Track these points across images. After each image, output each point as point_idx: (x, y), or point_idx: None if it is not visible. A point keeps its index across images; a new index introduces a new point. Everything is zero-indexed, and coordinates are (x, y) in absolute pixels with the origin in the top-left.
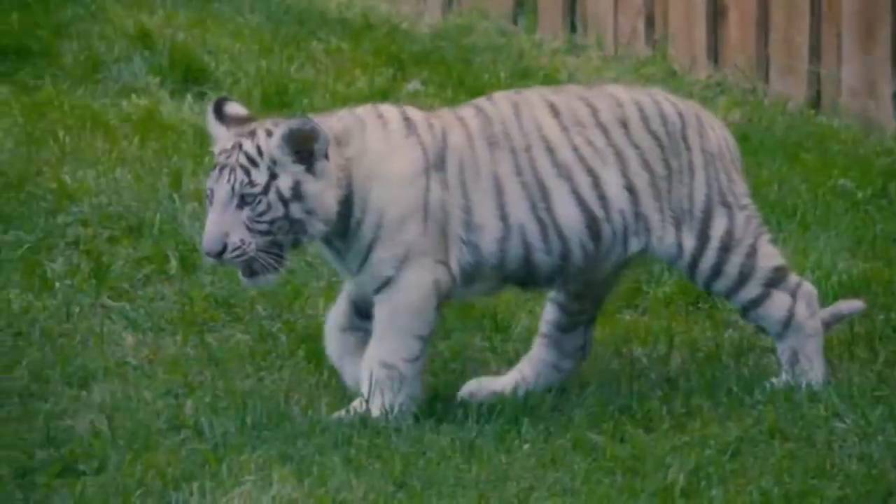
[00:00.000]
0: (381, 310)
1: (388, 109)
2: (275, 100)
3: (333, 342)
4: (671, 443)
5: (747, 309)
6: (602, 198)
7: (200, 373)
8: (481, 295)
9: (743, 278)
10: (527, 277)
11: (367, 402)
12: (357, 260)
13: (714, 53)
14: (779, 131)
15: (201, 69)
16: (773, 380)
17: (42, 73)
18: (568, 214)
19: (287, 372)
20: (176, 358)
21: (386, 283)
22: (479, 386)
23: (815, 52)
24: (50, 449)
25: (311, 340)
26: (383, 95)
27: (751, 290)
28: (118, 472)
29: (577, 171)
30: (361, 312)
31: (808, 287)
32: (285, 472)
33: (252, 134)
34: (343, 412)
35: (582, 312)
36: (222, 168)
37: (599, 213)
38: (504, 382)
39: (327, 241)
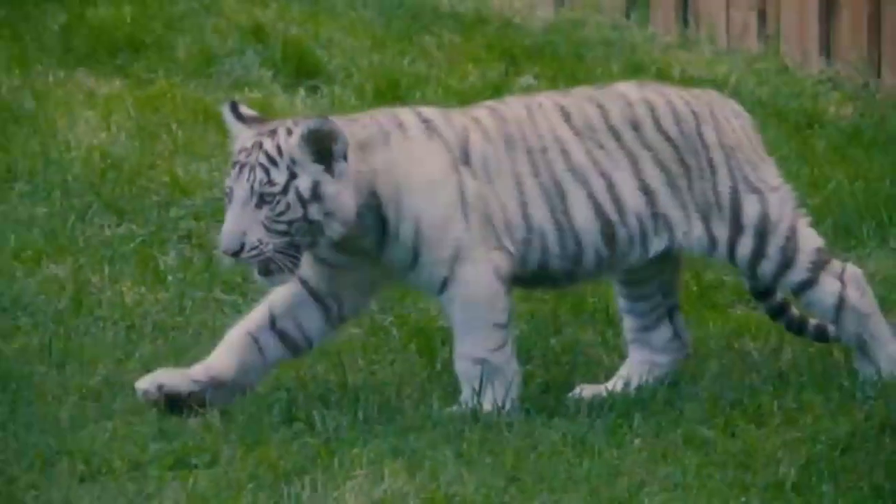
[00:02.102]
0: (452, 309)
1: (406, 115)
2: (387, 94)
3: (227, 339)
4: (782, 438)
5: (799, 293)
6: (617, 201)
7: (312, 367)
8: None
9: (787, 261)
10: (535, 280)
11: (478, 395)
12: (403, 264)
13: (826, 48)
14: (891, 126)
15: (314, 63)
16: (857, 366)
17: (155, 66)
18: (584, 218)
19: (399, 366)
20: None
21: (445, 283)
22: (583, 392)
23: None
24: (162, 442)
25: (423, 334)
26: (495, 90)
27: (798, 273)
28: (230, 466)
29: (591, 174)
30: (275, 323)
31: (853, 269)
32: (397, 466)
33: (273, 133)
34: (455, 407)
35: (653, 309)
36: (242, 167)
37: (614, 216)
38: (604, 386)
39: (339, 246)
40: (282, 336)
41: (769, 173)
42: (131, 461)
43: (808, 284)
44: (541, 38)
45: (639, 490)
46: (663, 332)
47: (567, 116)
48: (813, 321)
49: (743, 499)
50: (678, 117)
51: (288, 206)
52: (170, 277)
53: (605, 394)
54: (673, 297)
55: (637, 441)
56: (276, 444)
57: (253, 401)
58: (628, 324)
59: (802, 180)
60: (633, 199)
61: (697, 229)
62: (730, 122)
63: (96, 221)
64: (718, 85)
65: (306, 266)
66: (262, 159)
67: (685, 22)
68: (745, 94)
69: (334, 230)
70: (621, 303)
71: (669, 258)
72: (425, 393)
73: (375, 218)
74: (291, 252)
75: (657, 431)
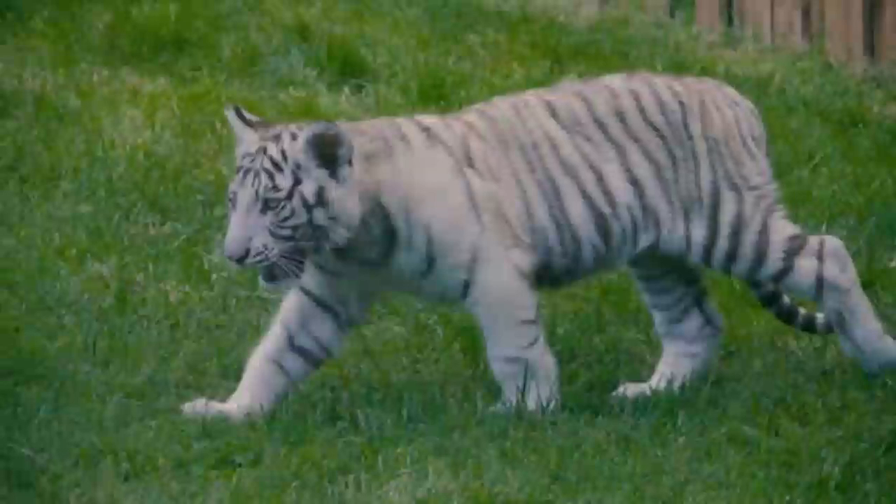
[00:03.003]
0: (478, 312)
1: (408, 126)
2: (432, 93)
3: (252, 369)
4: (826, 436)
5: (776, 282)
6: (608, 194)
7: (356, 365)
8: None
9: (759, 257)
10: (537, 279)
11: (522, 393)
12: (416, 272)
13: (870, 47)
14: None
15: (359, 62)
16: (842, 347)
17: (200, 64)
18: (578, 214)
19: (443, 364)
20: None
21: (466, 287)
22: (627, 390)
23: None
24: (206, 440)
25: (467, 333)
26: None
27: (772, 266)
28: (274, 464)
29: (581, 169)
30: (293, 342)
31: (832, 243)
32: (440, 465)
33: (277, 138)
34: (499, 405)
35: (679, 300)
36: (246, 172)
37: (607, 209)
38: (647, 384)
39: (342, 254)
40: (302, 353)
41: (752, 170)
42: (175, 460)
43: (783, 273)
44: (585, 37)
45: (682, 489)
46: (693, 321)
47: (554, 112)
48: (803, 311)
49: (787, 498)
50: (664, 107)
51: (293, 212)
52: (214, 276)
53: (648, 392)
54: (696, 284)
55: (681, 440)
56: (319, 442)
57: (297, 399)
58: (657, 318)
59: (846, 179)
60: (623, 192)
61: (679, 228)
62: (722, 112)
63: (140, 220)
64: (762, 83)
65: (307, 276)
66: (267, 164)
67: (729, 20)
68: (789, 93)
69: (339, 235)
70: (646, 298)
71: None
72: (469, 391)
73: (383, 229)
74: (296, 257)
75: (701, 430)
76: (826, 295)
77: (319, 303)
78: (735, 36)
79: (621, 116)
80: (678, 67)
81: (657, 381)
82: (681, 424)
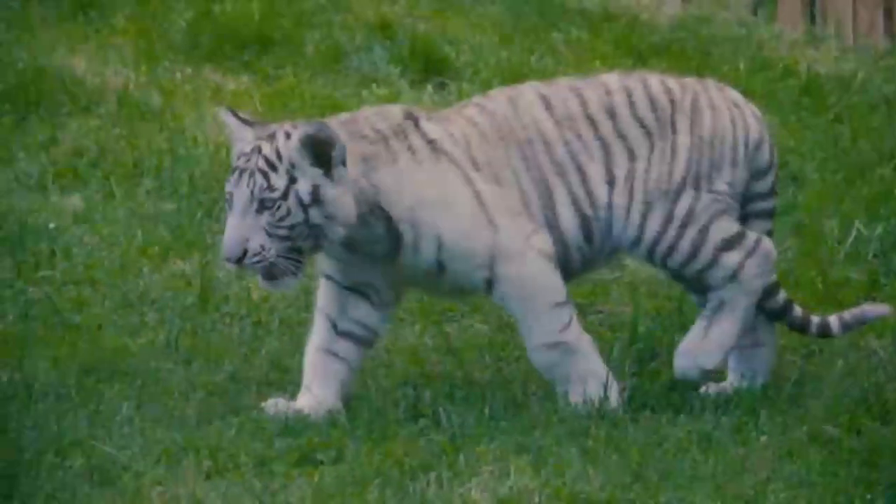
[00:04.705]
0: (510, 305)
1: (414, 137)
2: None
3: (310, 364)
4: None
5: (699, 277)
6: (590, 194)
7: (439, 363)
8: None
9: (694, 251)
10: None
11: (605, 388)
12: (427, 271)
13: None
14: None
15: (442, 60)
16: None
17: (283, 62)
18: (568, 218)
19: (525, 363)
20: (414, 348)
21: (489, 284)
22: (709, 389)
23: None
24: (288, 438)
25: None
26: None
27: (701, 261)
28: (356, 462)
29: (570, 169)
30: (337, 328)
31: (766, 245)
32: (522, 463)
33: (272, 137)
34: (571, 397)
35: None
36: (242, 172)
37: (589, 211)
38: (729, 382)
39: (350, 247)
40: (349, 337)
41: (725, 177)
42: (257, 457)
43: (707, 267)
44: (668, 35)
45: (764, 487)
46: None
47: (548, 105)
48: (815, 319)
49: (868, 496)
50: (654, 104)
51: (289, 211)
52: None
53: (730, 391)
54: None
55: (762, 439)
56: (401, 440)
57: (378, 396)
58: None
59: None
60: (603, 193)
61: (635, 221)
62: (716, 113)
63: (223, 217)
64: (844, 82)
65: (329, 266)
66: (262, 164)
67: (812, 19)
68: (871, 91)
69: (336, 233)
70: (694, 299)
71: None
72: (551, 390)
73: (386, 228)
74: (294, 256)
75: (783, 429)
76: (729, 285)
77: (347, 288)
78: (817, 35)
79: (612, 113)
80: (760, 66)
81: (734, 378)
82: (762, 423)
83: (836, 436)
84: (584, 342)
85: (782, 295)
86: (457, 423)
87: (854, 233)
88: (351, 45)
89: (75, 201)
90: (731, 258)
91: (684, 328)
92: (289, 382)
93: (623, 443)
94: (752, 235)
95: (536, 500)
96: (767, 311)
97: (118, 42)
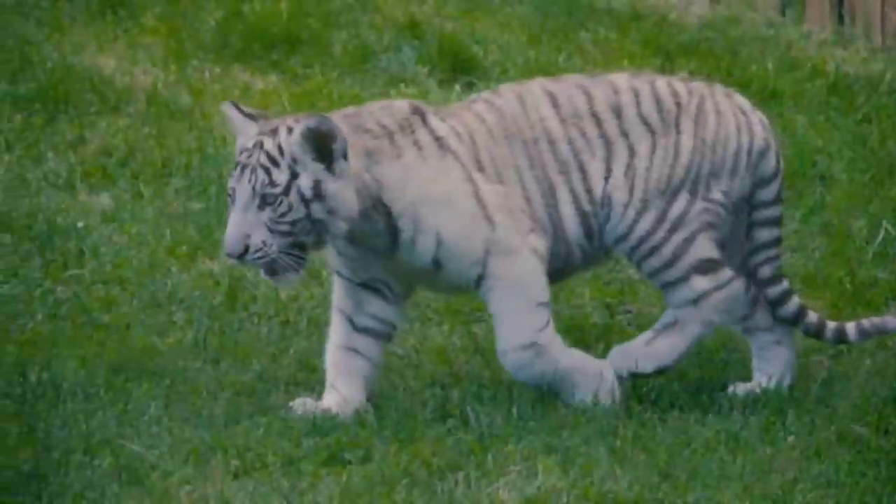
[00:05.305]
0: (492, 297)
1: (421, 132)
2: None
3: (331, 362)
4: None
5: (664, 289)
6: (589, 192)
7: (467, 363)
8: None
9: (673, 260)
10: None
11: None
12: (423, 268)
13: None
14: None
15: (470, 59)
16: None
17: (311, 62)
18: (569, 216)
19: None
20: (442, 348)
21: (479, 279)
22: (737, 389)
23: None
24: (316, 437)
25: (577, 331)
26: None
27: (674, 273)
28: (384, 462)
29: (573, 167)
30: (355, 325)
31: (737, 286)
32: (550, 463)
33: (274, 132)
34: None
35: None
36: (244, 168)
37: (588, 208)
38: (757, 382)
39: (352, 240)
40: (367, 332)
41: (722, 185)
42: (285, 457)
43: (677, 282)
44: (696, 35)
45: (792, 487)
46: (763, 310)
47: (555, 102)
48: (831, 325)
49: None
50: (660, 105)
51: (290, 207)
52: (324, 272)
53: (758, 391)
54: (754, 276)
55: (790, 438)
56: (429, 440)
57: (406, 396)
58: None
59: None
60: (601, 189)
61: (629, 218)
62: (721, 118)
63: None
64: (873, 82)
65: (338, 264)
66: (264, 160)
67: (840, 19)
68: None
69: (338, 228)
70: None
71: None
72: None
73: (386, 223)
74: (296, 252)
75: (810, 429)
76: (688, 308)
77: (360, 285)
78: (846, 35)
79: (617, 112)
80: (789, 66)
81: (760, 379)
82: (790, 423)
83: (865, 435)
84: (556, 345)
85: (794, 302)
86: (485, 423)
87: (882, 233)
88: (379, 44)
89: (104, 200)
90: (701, 283)
91: None
92: (316, 382)
93: (651, 442)
94: (728, 272)
95: (564, 499)
96: (780, 318)
97: (147, 41)
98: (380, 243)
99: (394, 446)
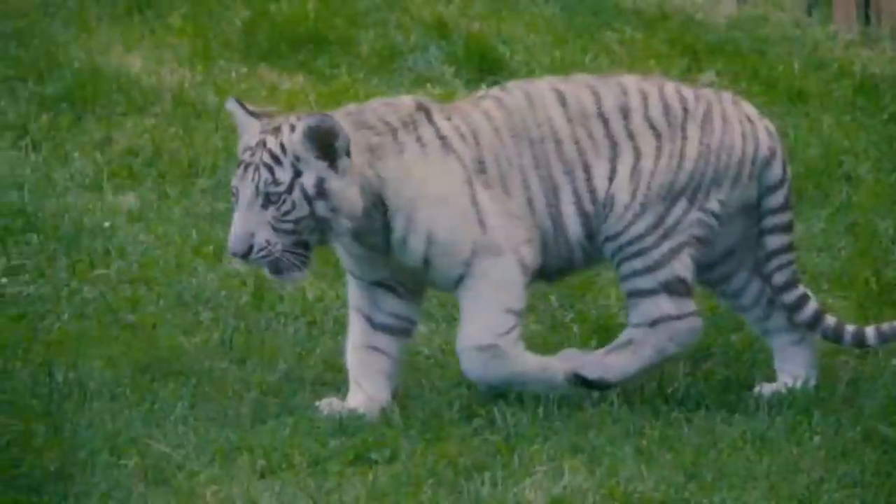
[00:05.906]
0: (464, 295)
1: (425, 129)
2: None
3: (353, 362)
4: None
5: (630, 296)
6: (592, 192)
7: None
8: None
9: (652, 268)
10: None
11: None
12: (414, 265)
13: None
14: None
15: (496, 59)
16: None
17: (338, 61)
18: (570, 216)
19: None
20: None
21: (460, 278)
22: (763, 389)
23: None
24: (342, 437)
25: (604, 331)
26: None
27: (647, 282)
28: (410, 461)
29: (577, 167)
30: (373, 323)
31: (696, 322)
32: (576, 463)
33: (276, 130)
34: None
35: (759, 296)
36: (247, 166)
37: (590, 208)
38: (783, 382)
39: (357, 236)
40: (386, 329)
41: (720, 195)
42: (311, 456)
43: (644, 294)
44: (723, 35)
45: (818, 487)
46: (781, 311)
47: (564, 102)
48: (850, 328)
49: None
50: (667, 108)
51: (294, 205)
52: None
53: (784, 391)
54: (769, 277)
55: (816, 438)
56: (455, 439)
57: (433, 396)
58: (749, 319)
59: None
60: (604, 189)
61: (625, 219)
62: (727, 125)
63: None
64: None
65: (349, 264)
66: (267, 158)
67: (867, 20)
68: None
69: (342, 226)
70: (726, 303)
71: (744, 245)
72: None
73: (382, 221)
74: (300, 250)
75: (836, 429)
76: (645, 328)
77: (372, 282)
78: (872, 35)
79: (625, 113)
80: (815, 66)
81: (785, 379)
82: (816, 423)
83: (891, 435)
84: (515, 352)
85: (811, 307)
86: (511, 423)
87: None
88: (406, 44)
89: (130, 200)
90: (665, 306)
91: (738, 328)
92: (342, 382)
93: (677, 442)
94: (691, 305)
95: (591, 499)
96: (797, 324)
97: (174, 41)
98: (377, 240)
99: (420, 446)
